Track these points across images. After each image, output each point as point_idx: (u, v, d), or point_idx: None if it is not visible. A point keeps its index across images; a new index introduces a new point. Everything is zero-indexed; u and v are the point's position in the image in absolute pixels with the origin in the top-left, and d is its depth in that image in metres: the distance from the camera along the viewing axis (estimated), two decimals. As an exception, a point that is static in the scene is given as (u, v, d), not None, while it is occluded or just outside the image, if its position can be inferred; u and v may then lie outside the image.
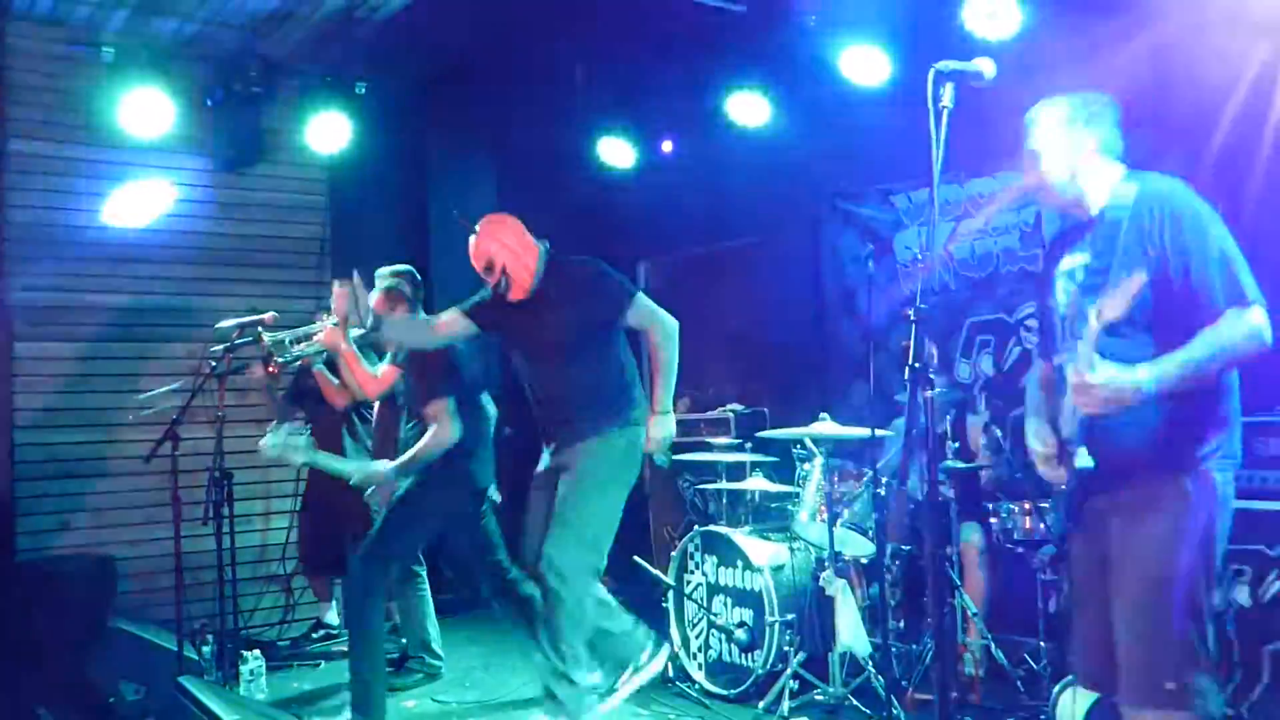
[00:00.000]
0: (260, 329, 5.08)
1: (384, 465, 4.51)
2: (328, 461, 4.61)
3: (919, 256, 6.35)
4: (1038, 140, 2.77)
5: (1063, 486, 2.69)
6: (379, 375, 4.86)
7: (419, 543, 4.82)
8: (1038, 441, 2.73)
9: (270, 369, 5.31)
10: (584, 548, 3.93)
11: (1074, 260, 2.75)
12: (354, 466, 4.60)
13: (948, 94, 2.38)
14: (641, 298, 4.06)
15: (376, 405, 5.37)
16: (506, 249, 4.03)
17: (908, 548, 4.85)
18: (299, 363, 5.37)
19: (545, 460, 4.17)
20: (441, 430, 4.40)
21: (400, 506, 4.49)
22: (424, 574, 5.35)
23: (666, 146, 7.32)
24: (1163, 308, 2.51)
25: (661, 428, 4.02)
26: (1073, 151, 2.72)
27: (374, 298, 4.62)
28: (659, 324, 4.06)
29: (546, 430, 4.16)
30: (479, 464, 4.59)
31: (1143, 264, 2.47)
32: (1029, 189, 2.84)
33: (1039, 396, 2.81)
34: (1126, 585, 2.54)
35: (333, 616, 6.33)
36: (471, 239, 4.06)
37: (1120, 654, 2.53)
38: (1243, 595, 3.94)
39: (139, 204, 6.26)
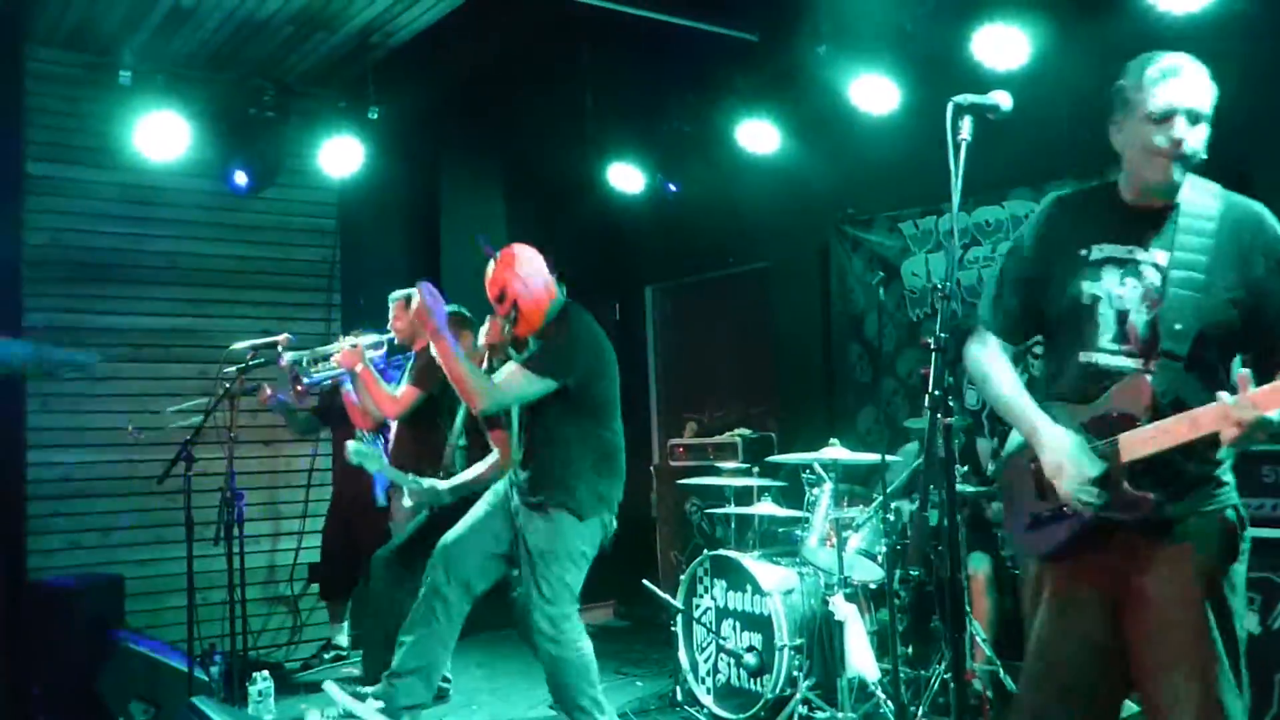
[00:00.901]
0: (278, 349, 5.14)
1: (442, 485, 4.58)
2: (395, 473, 4.72)
3: (931, 283, 6.40)
4: (1203, 105, 2.43)
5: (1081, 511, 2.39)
6: (398, 396, 4.90)
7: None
8: (1087, 465, 2.36)
9: (298, 388, 5.38)
10: (561, 603, 3.96)
11: (1137, 253, 2.46)
12: (415, 483, 4.63)
13: (966, 127, 2.41)
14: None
15: (395, 425, 5.38)
16: (522, 283, 3.96)
17: (917, 573, 4.86)
18: (329, 382, 5.43)
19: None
20: (504, 457, 4.42)
21: (439, 522, 4.50)
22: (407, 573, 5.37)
23: (672, 187, 7.36)
24: (1245, 337, 2.38)
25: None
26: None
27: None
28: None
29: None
30: None
31: (1240, 284, 2.35)
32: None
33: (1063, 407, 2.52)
34: (1189, 651, 2.30)
35: (343, 638, 6.34)
36: (490, 265, 4.02)
37: None
38: (1252, 623, 3.95)
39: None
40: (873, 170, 6.47)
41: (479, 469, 4.57)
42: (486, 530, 4.15)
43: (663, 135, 7.04)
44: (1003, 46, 5.22)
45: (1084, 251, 2.50)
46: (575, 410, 3.96)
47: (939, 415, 2.22)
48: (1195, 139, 2.39)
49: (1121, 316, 2.43)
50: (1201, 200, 2.43)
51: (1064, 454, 2.35)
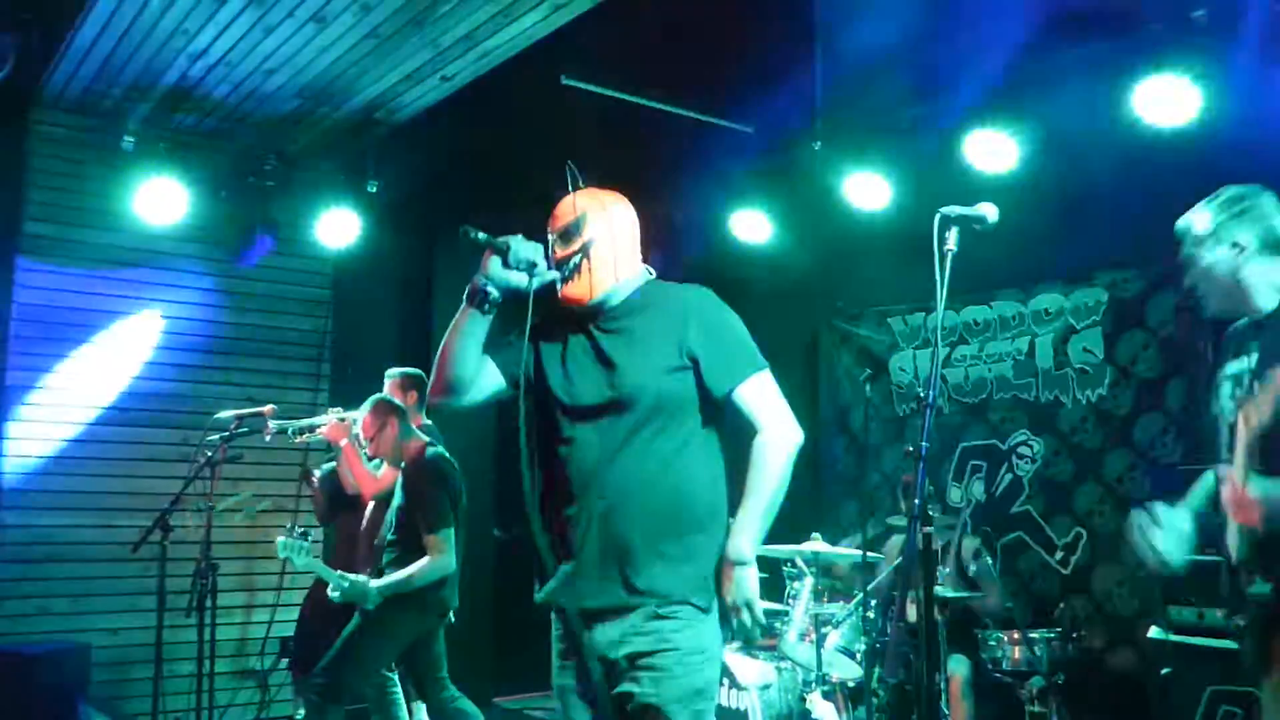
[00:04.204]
0: (264, 419, 5.11)
1: (371, 585, 4.37)
2: (321, 569, 4.56)
3: (917, 384, 6.44)
4: (1190, 264, 2.64)
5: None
6: (378, 476, 4.86)
7: (384, 665, 4.66)
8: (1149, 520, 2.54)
9: (309, 477, 5.34)
10: None
11: (1241, 364, 2.60)
12: (342, 580, 4.42)
13: (952, 238, 2.44)
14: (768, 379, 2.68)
15: (371, 506, 5.29)
16: (608, 228, 2.71)
17: (894, 681, 4.80)
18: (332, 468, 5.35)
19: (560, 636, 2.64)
20: (439, 561, 4.34)
21: (370, 627, 4.38)
22: (395, 678, 5.26)
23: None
24: None
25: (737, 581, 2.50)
26: (1226, 261, 2.60)
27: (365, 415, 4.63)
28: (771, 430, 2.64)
29: (564, 546, 2.57)
30: (451, 589, 4.52)
31: None
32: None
33: (1204, 503, 2.63)
34: None
35: (308, 716, 6.21)
36: (569, 196, 2.76)
37: None
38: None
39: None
40: (863, 265, 6.55)
41: (410, 570, 4.35)
42: None
43: (656, 221, 7.11)
44: (994, 150, 5.33)
45: None
46: None
47: (919, 524, 2.21)
48: None
49: None
50: None
51: None
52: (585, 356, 2.62)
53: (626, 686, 2.42)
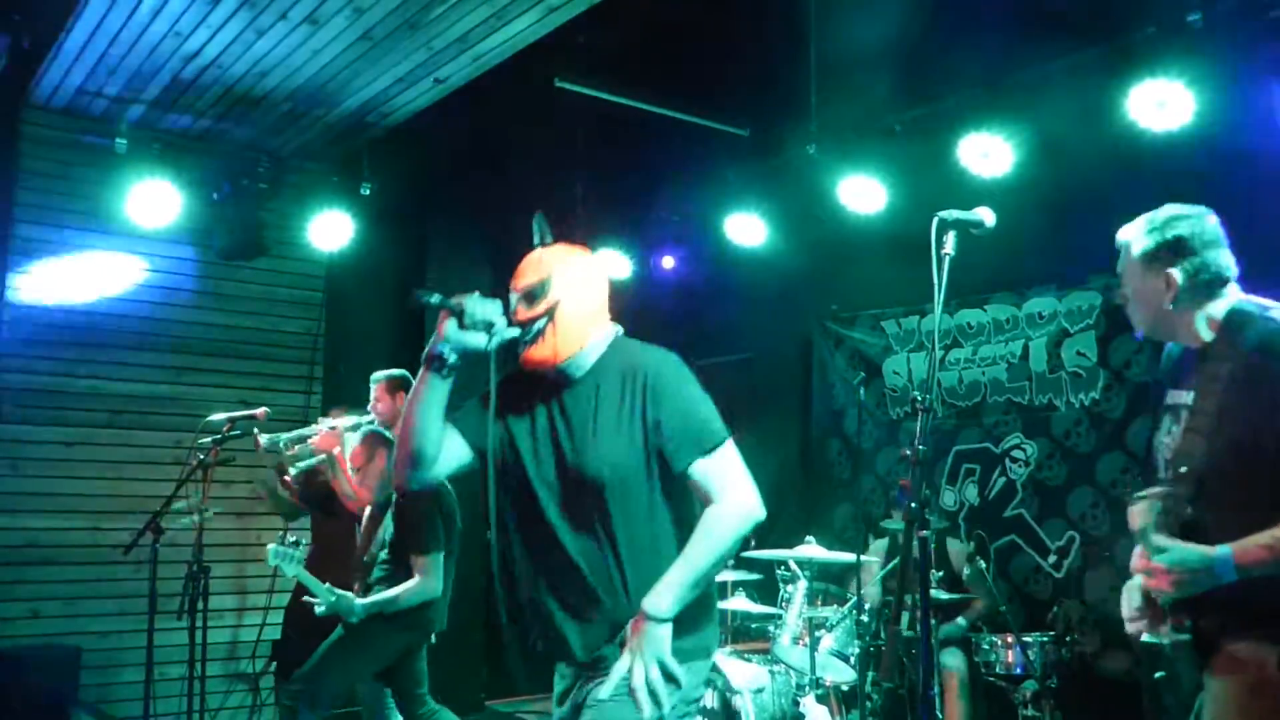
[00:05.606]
0: (255, 427, 5.07)
1: (358, 602, 4.36)
2: (309, 580, 4.54)
3: (911, 385, 6.44)
4: (1123, 280, 2.58)
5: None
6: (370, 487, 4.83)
7: (361, 679, 4.63)
8: (1125, 605, 2.49)
9: (284, 479, 5.30)
10: None
11: (1179, 396, 2.48)
12: (329, 595, 4.41)
13: (950, 241, 2.44)
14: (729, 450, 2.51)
15: (366, 515, 5.26)
16: (572, 289, 2.57)
17: (889, 685, 4.81)
18: (313, 467, 5.32)
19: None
20: (426, 583, 4.34)
21: (352, 641, 4.37)
22: (389, 691, 5.25)
23: (667, 262, 7.43)
24: (1250, 479, 2.27)
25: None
26: (1154, 292, 2.48)
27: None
28: (727, 500, 2.44)
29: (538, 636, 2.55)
30: (438, 611, 4.51)
31: (1241, 422, 2.27)
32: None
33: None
34: None
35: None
36: (536, 251, 2.67)
37: None
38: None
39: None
40: (857, 268, 6.55)
41: (396, 590, 4.35)
42: None
43: (651, 223, 7.13)
44: (988, 153, 5.34)
45: None
46: None
47: (915, 528, 2.21)
48: None
49: None
50: None
51: None
52: (551, 425, 2.54)
53: None
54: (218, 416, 5.18)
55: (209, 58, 5.44)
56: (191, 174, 6.29)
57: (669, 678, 2.30)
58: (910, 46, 5.71)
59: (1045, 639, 4.83)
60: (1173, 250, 2.45)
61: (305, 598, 4.47)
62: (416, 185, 7.11)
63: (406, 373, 4.87)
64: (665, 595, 2.32)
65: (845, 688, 4.87)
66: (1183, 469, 2.31)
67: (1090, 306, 5.79)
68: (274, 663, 6.38)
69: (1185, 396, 2.44)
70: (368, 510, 4.92)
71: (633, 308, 7.73)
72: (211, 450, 5.05)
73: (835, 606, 4.95)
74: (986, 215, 2.49)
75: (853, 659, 4.71)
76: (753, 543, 6.38)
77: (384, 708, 4.96)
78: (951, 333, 6.26)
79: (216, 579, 5.13)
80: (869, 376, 6.27)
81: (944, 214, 2.45)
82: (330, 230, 6.57)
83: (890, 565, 5.01)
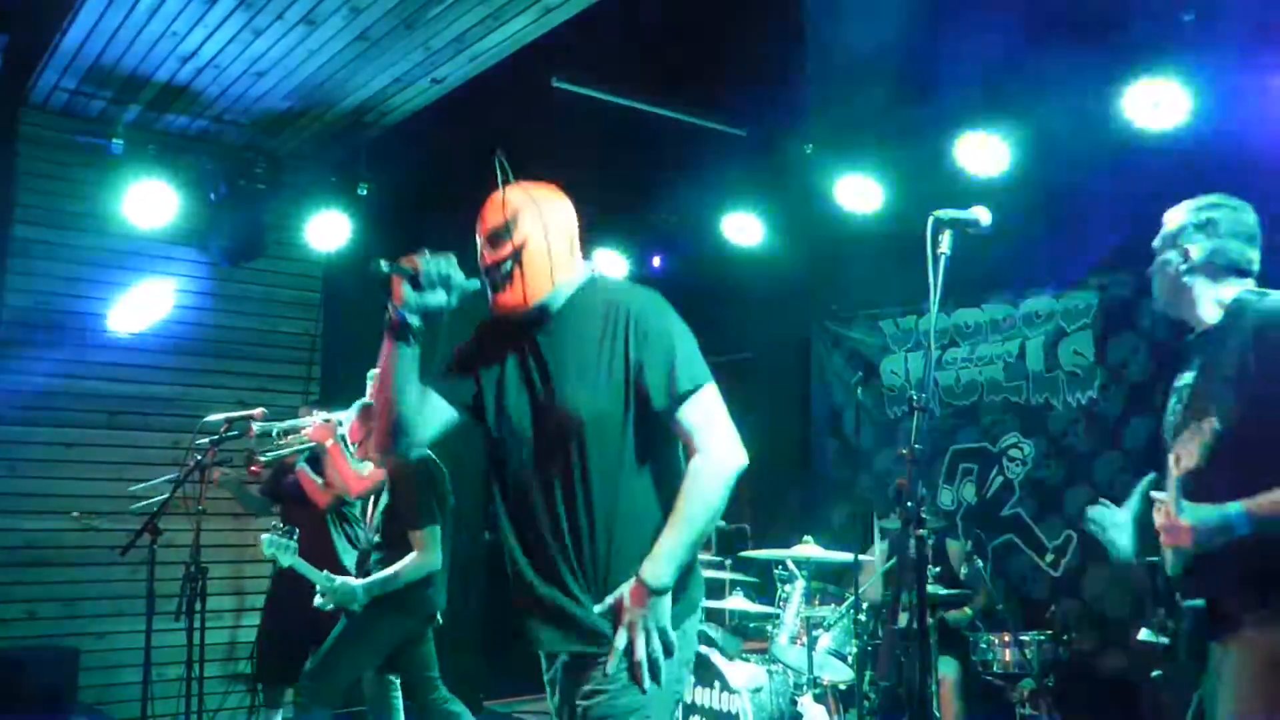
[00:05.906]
0: (250, 424, 5.07)
1: (358, 585, 4.36)
2: (307, 569, 4.54)
3: (909, 387, 6.44)
4: (1158, 252, 2.73)
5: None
6: (365, 475, 4.83)
7: (368, 668, 4.62)
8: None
9: (254, 468, 5.29)
10: None
11: (1185, 378, 2.65)
12: (329, 581, 4.41)
13: (946, 241, 2.44)
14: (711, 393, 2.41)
15: (370, 505, 5.26)
16: (542, 227, 2.48)
17: (887, 684, 4.81)
18: (283, 460, 5.31)
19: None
20: (425, 557, 4.32)
21: (355, 630, 4.37)
22: (396, 682, 5.24)
23: (656, 262, 7.44)
24: (1254, 445, 2.38)
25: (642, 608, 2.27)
26: (1176, 262, 2.66)
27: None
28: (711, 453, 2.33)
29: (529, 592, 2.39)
30: (437, 590, 4.50)
31: (1232, 395, 2.40)
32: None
33: (1141, 508, 2.73)
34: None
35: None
36: (498, 193, 2.56)
37: None
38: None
39: (140, 305, 6.31)
40: (854, 268, 6.56)
41: (395, 567, 4.33)
42: None
43: (648, 223, 7.13)
44: (985, 153, 5.35)
45: None
46: None
47: (912, 527, 2.21)
48: None
49: None
50: None
51: None
52: (524, 372, 2.42)
53: None
54: (215, 417, 5.18)
55: (206, 58, 5.44)
56: (188, 174, 6.28)
57: (668, 649, 2.24)
58: (907, 46, 5.71)
59: (1042, 638, 4.83)
60: (1201, 229, 2.63)
61: (316, 593, 4.45)
62: (414, 185, 7.10)
63: None
64: (663, 564, 2.22)
65: (843, 687, 4.87)
66: (1189, 443, 2.39)
67: (1087, 306, 5.79)
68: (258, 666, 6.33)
69: (1186, 377, 2.61)
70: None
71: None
72: (209, 451, 5.05)
73: (833, 606, 4.95)
74: (982, 214, 2.50)
75: (850, 658, 4.71)
76: (750, 543, 6.42)
77: (389, 703, 4.97)
78: (949, 332, 6.26)
79: (214, 580, 5.12)
80: (867, 376, 6.28)
81: (940, 213, 2.47)
82: (328, 230, 6.57)
83: (890, 563, 5.01)
